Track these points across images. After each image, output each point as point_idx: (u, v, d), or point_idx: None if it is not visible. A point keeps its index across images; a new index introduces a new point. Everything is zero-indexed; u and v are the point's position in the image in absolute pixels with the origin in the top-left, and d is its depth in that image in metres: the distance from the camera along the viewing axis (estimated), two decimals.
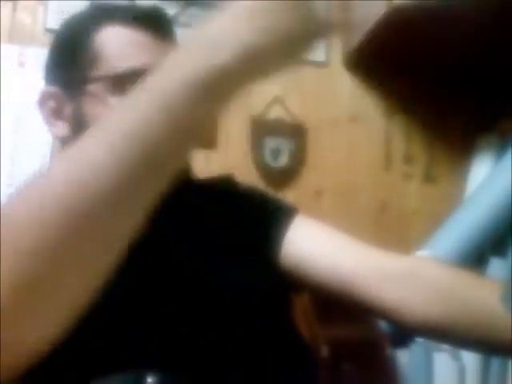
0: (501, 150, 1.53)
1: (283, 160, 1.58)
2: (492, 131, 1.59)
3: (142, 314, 0.63)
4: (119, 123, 0.43)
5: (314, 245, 0.77)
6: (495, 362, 1.33)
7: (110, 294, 0.63)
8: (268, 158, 1.57)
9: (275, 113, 1.60)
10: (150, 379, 0.55)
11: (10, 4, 1.50)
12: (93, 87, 0.73)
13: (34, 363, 0.46)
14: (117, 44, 0.75)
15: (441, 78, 1.67)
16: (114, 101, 0.71)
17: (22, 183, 0.44)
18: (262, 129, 1.58)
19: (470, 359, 1.31)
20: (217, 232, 0.75)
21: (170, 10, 1.58)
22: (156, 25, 0.77)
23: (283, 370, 0.68)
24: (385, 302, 0.71)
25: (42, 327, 0.44)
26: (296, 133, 1.60)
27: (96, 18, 0.78)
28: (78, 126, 0.74)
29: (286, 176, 1.58)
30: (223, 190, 0.83)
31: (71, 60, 0.77)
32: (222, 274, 0.69)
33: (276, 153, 1.58)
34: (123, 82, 0.71)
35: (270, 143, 1.58)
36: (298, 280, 0.77)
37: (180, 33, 1.55)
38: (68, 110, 0.76)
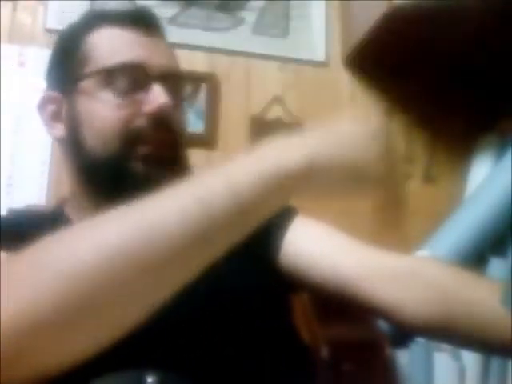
0: (501, 150, 1.53)
1: None
2: (492, 131, 1.59)
3: None
4: (192, 193, 0.48)
5: (313, 245, 0.77)
6: (495, 362, 1.33)
7: None
8: None
9: (275, 112, 1.60)
10: (150, 379, 0.55)
11: (10, 4, 1.50)
12: (84, 84, 0.74)
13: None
14: (107, 42, 0.76)
15: (441, 78, 1.67)
16: (105, 95, 0.73)
17: (91, 220, 0.48)
18: (261, 128, 1.58)
19: (470, 359, 1.31)
20: None
21: (170, 10, 1.58)
22: (145, 23, 0.78)
23: (283, 371, 0.68)
24: (385, 301, 0.71)
25: (72, 349, 0.47)
26: (296, 133, 1.60)
27: (88, 22, 0.80)
28: (73, 124, 0.75)
29: None
30: None
31: (66, 63, 0.78)
32: (221, 274, 0.69)
33: None
34: (114, 75, 0.73)
35: None
36: (298, 280, 0.77)
37: (180, 33, 1.56)
38: (65, 111, 0.78)
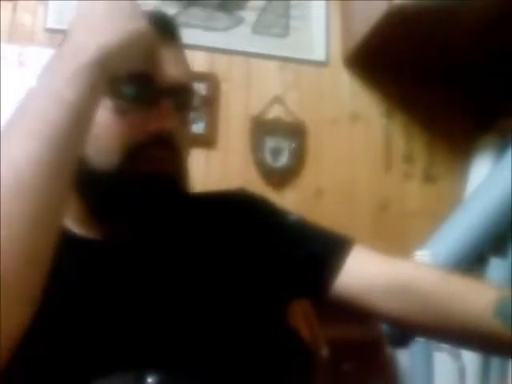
0: (501, 150, 1.53)
1: (283, 160, 1.58)
2: (492, 131, 1.59)
3: (142, 315, 0.63)
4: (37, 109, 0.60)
5: (368, 268, 0.76)
6: (495, 362, 1.33)
7: (110, 295, 0.63)
8: (268, 157, 1.57)
9: (275, 112, 1.60)
10: (150, 379, 0.55)
11: (9, 4, 1.50)
12: None
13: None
14: None
15: (441, 78, 1.67)
16: (109, 103, 0.67)
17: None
18: (261, 129, 1.58)
19: (470, 359, 1.31)
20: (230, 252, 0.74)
21: (170, 10, 1.58)
22: (162, 30, 0.70)
23: (283, 371, 0.68)
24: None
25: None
26: (296, 132, 1.60)
27: None
28: None
29: (286, 176, 1.58)
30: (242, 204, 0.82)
31: None
32: (222, 277, 0.69)
33: (276, 153, 1.58)
34: (120, 84, 0.67)
35: (270, 143, 1.58)
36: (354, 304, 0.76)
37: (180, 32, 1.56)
38: None
